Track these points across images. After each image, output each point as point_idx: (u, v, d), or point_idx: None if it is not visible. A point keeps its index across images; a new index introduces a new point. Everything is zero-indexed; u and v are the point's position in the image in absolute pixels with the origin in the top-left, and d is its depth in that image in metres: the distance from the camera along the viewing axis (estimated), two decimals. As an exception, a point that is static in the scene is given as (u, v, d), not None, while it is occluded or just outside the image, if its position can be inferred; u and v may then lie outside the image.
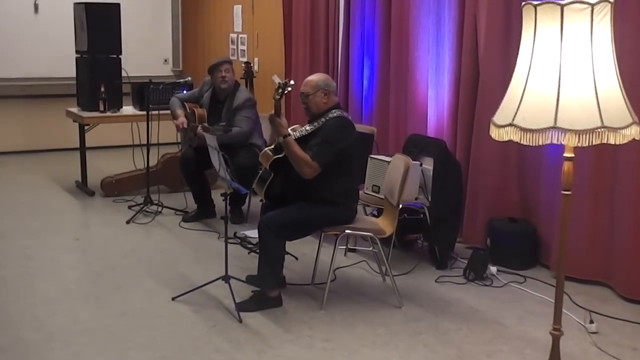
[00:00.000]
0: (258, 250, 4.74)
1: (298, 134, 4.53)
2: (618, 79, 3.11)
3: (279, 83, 4.44)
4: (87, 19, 7.37)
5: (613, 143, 3.09)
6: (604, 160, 4.77)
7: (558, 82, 3.05)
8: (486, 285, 4.98)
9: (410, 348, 4.02)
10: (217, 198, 6.28)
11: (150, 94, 6.72)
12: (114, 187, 7.31)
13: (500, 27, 5.37)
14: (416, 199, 5.29)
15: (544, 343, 3.91)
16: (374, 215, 5.47)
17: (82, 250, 5.86)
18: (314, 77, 4.64)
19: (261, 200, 4.88)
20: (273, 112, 4.43)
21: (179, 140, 7.01)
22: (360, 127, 5.56)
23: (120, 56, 7.56)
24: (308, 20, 7.72)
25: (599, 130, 3.02)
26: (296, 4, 7.96)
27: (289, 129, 4.50)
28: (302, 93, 4.58)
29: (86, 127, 7.43)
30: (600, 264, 4.92)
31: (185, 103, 6.58)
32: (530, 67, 3.15)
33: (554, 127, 3.03)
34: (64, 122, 7.97)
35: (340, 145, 4.43)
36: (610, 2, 3.05)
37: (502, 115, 3.26)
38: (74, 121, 7.62)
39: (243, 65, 7.51)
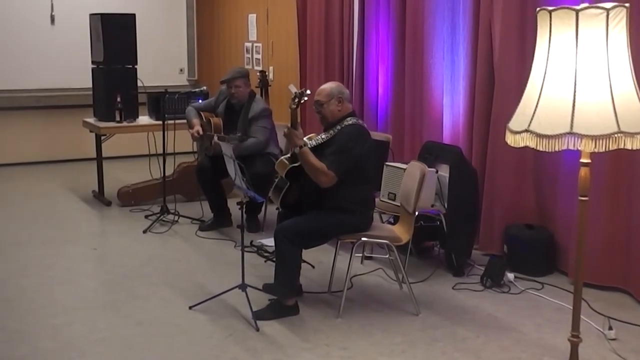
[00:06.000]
0: (274, 259, 4.75)
1: (314, 143, 4.54)
2: (634, 83, 3.09)
3: (295, 93, 4.47)
4: (103, 30, 7.43)
5: (630, 148, 3.07)
6: (621, 166, 4.74)
7: (574, 87, 3.04)
8: (504, 292, 4.96)
9: (428, 356, 4.01)
10: (234, 207, 6.29)
11: (166, 104, 6.75)
12: (130, 197, 7.34)
13: (515, 33, 5.35)
14: (432, 206, 5.27)
15: (562, 350, 3.88)
16: (390, 223, 5.46)
17: (99, 260, 5.89)
18: (327, 86, 4.65)
19: (277, 209, 4.88)
20: (289, 124, 4.45)
21: (195, 150, 7.02)
22: (375, 135, 5.56)
23: (136, 66, 7.62)
24: (323, 28, 7.73)
25: (616, 135, 3.00)
26: (311, 12, 7.97)
27: (304, 139, 4.51)
28: (317, 102, 4.59)
29: (103, 137, 7.47)
30: (619, 270, 4.89)
31: (201, 112, 6.59)
32: (545, 73, 3.14)
33: (570, 133, 3.02)
34: (81, 132, 8.03)
35: (355, 152, 4.43)
36: (625, 6, 3.04)
37: (517, 121, 3.25)
38: (91, 131, 7.66)
39: (258, 74, 7.52)
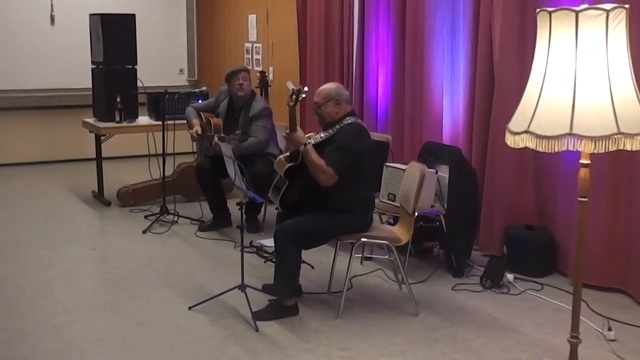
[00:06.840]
0: (274, 259, 4.75)
1: (313, 141, 4.54)
2: (634, 84, 3.09)
3: (292, 89, 4.46)
4: (103, 30, 7.43)
5: (629, 149, 3.07)
6: (621, 167, 4.75)
7: (573, 88, 3.04)
8: (503, 293, 4.96)
9: (428, 356, 4.01)
10: (233, 207, 6.29)
11: (165, 104, 6.74)
12: (130, 197, 7.34)
13: (515, 33, 5.35)
14: (432, 206, 5.28)
15: (562, 351, 3.88)
16: (389, 224, 5.47)
17: (99, 260, 5.89)
18: (326, 87, 4.65)
19: (277, 209, 4.88)
20: (288, 126, 4.45)
21: (195, 150, 7.02)
22: (375, 135, 5.56)
23: (135, 66, 7.62)
24: (323, 28, 7.73)
25: (615, 136, 3.00)
26: (311, 12, 7.97)
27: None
28: (315, 103, 4.60)
29: (102, 138, 7.47)
30: (618, 270, 4.89)
31: (201, 113, 6.60)
32: (545, 74, 3.14)
33: (570, 134, 3.02)
34: (81, 132, 8.03)
35: (355, 150, 4.42)
36: (625, 8, 3.04)
37: (517, 122, 3.25)
38: (90, 132, 7.67)
39: (258, 74, 7.53)
